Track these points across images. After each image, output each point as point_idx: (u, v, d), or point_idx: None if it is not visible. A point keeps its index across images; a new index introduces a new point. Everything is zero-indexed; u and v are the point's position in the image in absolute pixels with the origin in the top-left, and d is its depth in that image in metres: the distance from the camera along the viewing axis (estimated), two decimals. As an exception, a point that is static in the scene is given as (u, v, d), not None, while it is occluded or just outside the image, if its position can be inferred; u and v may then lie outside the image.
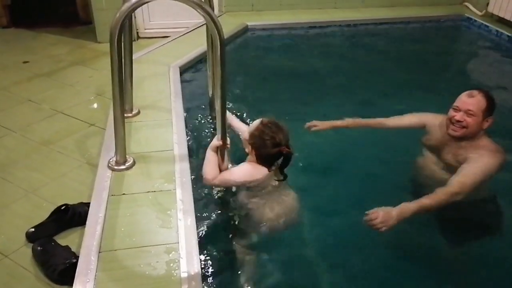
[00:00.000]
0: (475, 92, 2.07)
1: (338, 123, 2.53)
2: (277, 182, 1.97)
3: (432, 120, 2.30)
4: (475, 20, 4.91)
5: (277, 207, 1.97)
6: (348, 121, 2.52)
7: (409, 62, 4.16)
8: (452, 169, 2.09)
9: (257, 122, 1.96)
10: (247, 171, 1.95)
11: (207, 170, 1.94)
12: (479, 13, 4.99)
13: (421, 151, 2.31)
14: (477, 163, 1.98)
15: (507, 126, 2.94)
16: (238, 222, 2.03)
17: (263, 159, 1.93)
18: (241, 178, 1.94)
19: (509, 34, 4.43)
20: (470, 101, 2.05)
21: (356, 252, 2.04)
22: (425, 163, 2.25)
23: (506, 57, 4.29)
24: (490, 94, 2.10)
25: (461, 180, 1.94)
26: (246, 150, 1.99)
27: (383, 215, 1.76)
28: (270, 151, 1.88)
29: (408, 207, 1.83)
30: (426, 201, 1.86)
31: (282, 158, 1.91)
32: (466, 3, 5.27)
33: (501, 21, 4.65)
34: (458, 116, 2.06)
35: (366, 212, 1.80)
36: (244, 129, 2.12)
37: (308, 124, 2.54)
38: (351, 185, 2.41)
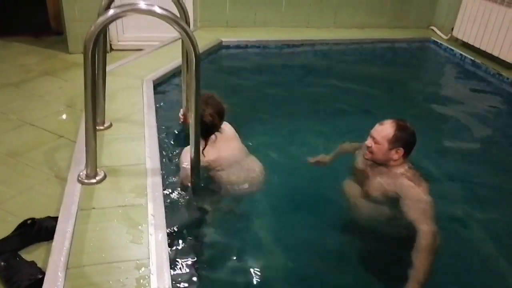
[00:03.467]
0: (387, 121, 2.10)
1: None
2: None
3: (360, 145, 2.34)
4: (441, 44, 5.13)
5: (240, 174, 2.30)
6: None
7: (375, 81, 4.26)
8: (368, 185, 2.14)
9: None
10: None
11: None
12: (445, 37, 5.22)
13: (349, 174, 2.33)
14: (414, 198, 1.97)
15: (467, 147, 3.06)
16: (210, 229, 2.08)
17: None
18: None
19: (472, 58, 4.65)
20: (377, 129, 2.11)
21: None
22: (349, 185, 2.27)
23: (468, 80, 4.48)
24: (404, 126, 2.08)
25: (425, 222, 1.88)
26: None
27: None
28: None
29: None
30: (419, 274, 1.76)
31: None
32: (432, 27, 5.50)
33: (465, 45, 4.87)
34: (368, 141, 2.13)
35: None
36: None
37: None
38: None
